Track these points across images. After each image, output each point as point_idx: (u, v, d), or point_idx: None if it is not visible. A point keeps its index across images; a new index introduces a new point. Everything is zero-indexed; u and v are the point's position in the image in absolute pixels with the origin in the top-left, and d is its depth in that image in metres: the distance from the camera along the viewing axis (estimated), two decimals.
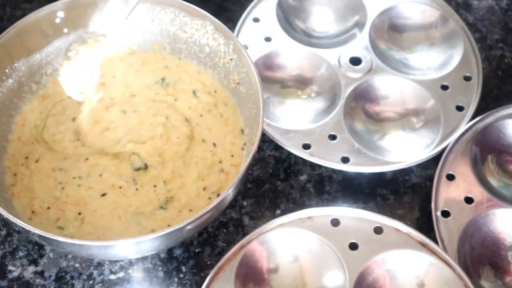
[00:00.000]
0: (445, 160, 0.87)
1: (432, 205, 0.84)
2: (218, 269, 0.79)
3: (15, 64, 0.86)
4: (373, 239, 0.81)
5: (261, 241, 0.81)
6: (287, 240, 0.82)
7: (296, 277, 0.81)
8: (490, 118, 0.91)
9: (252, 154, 0.75)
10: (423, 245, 0.80)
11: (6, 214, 0.72)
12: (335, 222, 0.82)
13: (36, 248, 0.84)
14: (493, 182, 0.87)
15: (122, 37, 0.90)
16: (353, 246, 0.80)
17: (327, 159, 0.88)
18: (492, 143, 0.90)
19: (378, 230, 0.82)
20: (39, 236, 0.72)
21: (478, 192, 0.85)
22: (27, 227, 0.71)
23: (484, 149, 0.89)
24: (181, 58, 0.90)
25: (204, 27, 0.86)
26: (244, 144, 0.85)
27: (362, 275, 0.78)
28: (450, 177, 0.87)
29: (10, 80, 0.86)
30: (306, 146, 0.90)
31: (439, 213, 0.83)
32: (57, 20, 0.86)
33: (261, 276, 0.80)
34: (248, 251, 0.80)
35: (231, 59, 0.84)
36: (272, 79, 0.96)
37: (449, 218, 0.83)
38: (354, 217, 0.83)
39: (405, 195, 0.89)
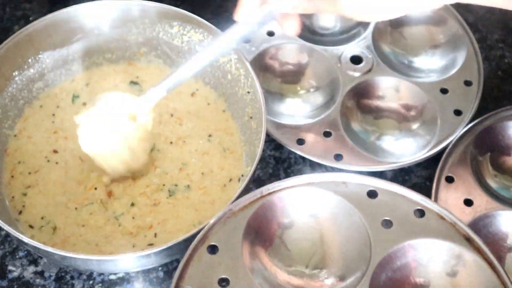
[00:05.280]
0: (444, 162, 0.87)
1: None
2: (227, 212, 0.72)
3: (39, 56, 0.86)
4: (412, 221, 0.72)
5: (284, 195, 0.73)
6: (313, 201, 0.74)
7: (314, 243, 0.74)
8: (489, 120, 0.90)
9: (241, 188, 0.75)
10: (468, 239, 0.70)
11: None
12: (372, 194, 0.74)
13: None
14: (493, 184, 0.87)
15: (156, 51, 0.92)
16: (387, 224, 0.72)
17: (320, 155, 0.88)
18: (492, 145, 0.89)
19: (419, 213, 0.73)
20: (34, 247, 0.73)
21: (477, 195, 0.85)
22: (20, 237, 0.72)
23: (483, 151, 0.89)
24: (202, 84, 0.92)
25: (228, 55, 0.86)
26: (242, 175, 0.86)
27: (389, 257, 0.70)
28: (450, 180, 0.86)
29: (32, 70, 0.87)
30: (300, 142, 0.90)
31: None
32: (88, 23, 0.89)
33: (274, 234, 0.73)
34: (266, 203, 0.73)
35: (248, 92, 0.85)
36: (272, 73, 0.97)
37: None
38: (395, 193, 0.74)
39: None
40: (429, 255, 0.71)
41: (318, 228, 0.74)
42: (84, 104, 0.89)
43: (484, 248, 0.70)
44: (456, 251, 0.70)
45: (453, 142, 0.88)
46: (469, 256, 0.70)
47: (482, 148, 0.89)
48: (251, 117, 0.84)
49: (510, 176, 0.88)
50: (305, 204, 0.74)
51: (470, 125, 0.90)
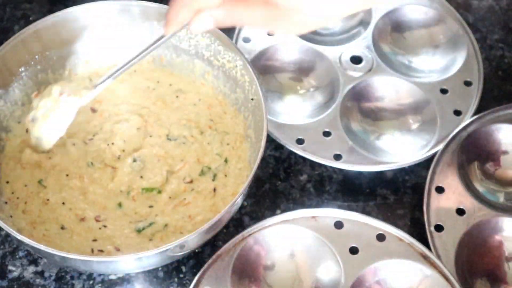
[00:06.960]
0: (433, 172, 0.87)
1: (425, 220, 0.83)
2: (216, 257, 0.79)
3: (47, 53, 0.87)
4: (375, 245, 0.81)
5: (262, 235, 0.81)
6: (288, 236, 0.82)
7: (292, 273, 0.81)
8: (473, 126, 0.90)
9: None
10: (424, 257, 0.80)
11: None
12: (339, 225, 0.82)
13: None
14: (481, 189, 0.86)
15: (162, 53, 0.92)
16: (354, 251, 0.80)
17: (320, 155, 0.89)
18: (478, 151, 0.89)
19: (380, 237, 0.81)
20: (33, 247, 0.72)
21: (468, 203, 0.84)
22: (20, 237, 0.72)
23: (470, 157, 0.88)
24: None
25: (234, 61, 0.86)
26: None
27: (359, 280, 0.78)
28: (440, 190, 0.86)
29: (39, 66, 0.87)
30: (300, 141, 0.90)
31: (432, 228, 0.82)
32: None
33: (258, 270, 0.80)
34: (248, 244, 0.80)
35: (252, 99, 0.84)
36: (272, 73, 0.97)
37: (443, 232, 0.82)
38: (358, 221, 0.83)
39: (405, 195, 0.89)
40: (393, 273, 0.79)
41: (294, 261, 0.81)
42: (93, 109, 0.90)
43: (438, 262, 0.79)
44: (415, 267, 0.79)
45: (440, 150, 0.88)
46: (427, 270, 0.79)
47: (468, 155, 0.88)
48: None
49: (496, 180, 0.87)
50: (282, 241, 0.82)
51: (454, 132, 0.89)
